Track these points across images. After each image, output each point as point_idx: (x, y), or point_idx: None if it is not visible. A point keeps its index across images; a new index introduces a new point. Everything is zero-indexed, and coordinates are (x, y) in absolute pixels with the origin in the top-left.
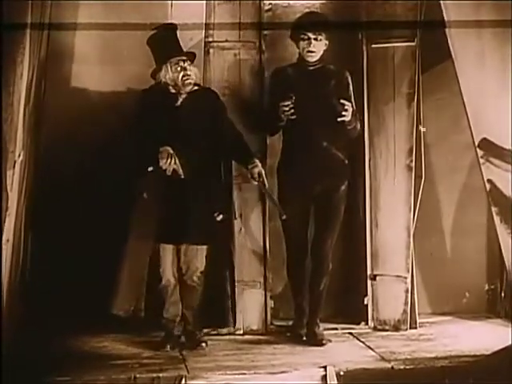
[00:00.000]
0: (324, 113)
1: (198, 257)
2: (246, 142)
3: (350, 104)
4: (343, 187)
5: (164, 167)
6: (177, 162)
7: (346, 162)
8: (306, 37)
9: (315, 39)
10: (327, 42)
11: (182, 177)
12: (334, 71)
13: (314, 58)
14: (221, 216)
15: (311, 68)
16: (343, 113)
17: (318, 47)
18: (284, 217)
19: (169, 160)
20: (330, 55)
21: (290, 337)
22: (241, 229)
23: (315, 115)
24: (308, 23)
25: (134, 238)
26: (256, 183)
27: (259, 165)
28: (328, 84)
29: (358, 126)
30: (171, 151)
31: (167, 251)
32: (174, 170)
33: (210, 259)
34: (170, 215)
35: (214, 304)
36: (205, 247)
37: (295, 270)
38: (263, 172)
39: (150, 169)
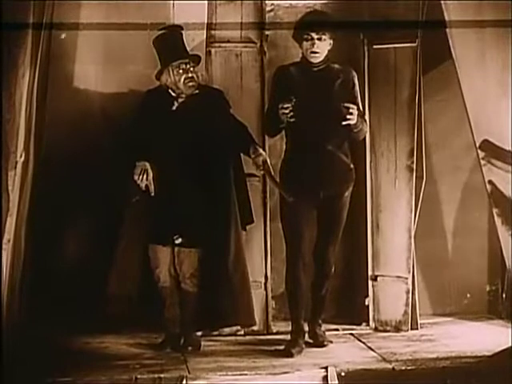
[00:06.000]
0: (328, 115)
1: (189, 259)
2: (250, 133)
3: (354, 107)
4: (347, 193)
5: (137, 182)
6: (149, 178)
7: (352, 166)
8: (309, 37)
9: (319, 39)
10: (331, 42)
11: (152, 194)
12: (339, 71)
13: (317, 59)
14: (180, 239)
15: (315, 69)
16: (348, 116)
17: (321, 47)
18: (291, 199)
19: (141, 176)
20: (331, 56)
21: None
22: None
23: (319, 118)
24: (311, 23)
25: (127, 239)
26: (261, 172)
27: (263, 153)
28: (333, 85)
29: (365, 129)
30: (147, 166)
31: (163, 252)
32: (146, 185)
33: (206, 262)
34: (159, 217)
35: (216, 305)
36: (195, 250)
37: (293, 282)
38: (268, 160)
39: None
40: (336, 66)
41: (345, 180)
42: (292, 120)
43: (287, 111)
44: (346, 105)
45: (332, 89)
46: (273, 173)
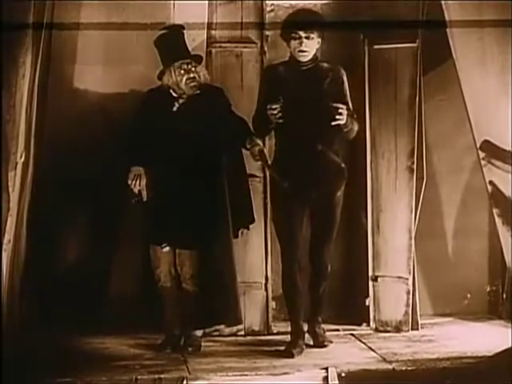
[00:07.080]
0: (318, 115)
1: (190, 260)
2: (247, 125)
3: (344, 106)
4: (339, 192)
5: (131, 187)
6: (142, 184)
7: (343, 165)
8: (296, 36)
9: (307, 38)
10: (320, 40)
11: (145, 199)
12: (327, 69)
13: (306, 57)
14: (167, 248)
15: (303, 68)
16: (337, 116)
17: (310, 46)
18: (286, 184)
19: (134, 182)
20: (331, 56)
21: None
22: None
23: (309, 117)
24: (298, 21)
25: (127, 240)
26: (258, 162)
27: (259, 143)
28: (322, 84)
29: (356, 127)
30: (141, 171)
31: (164, 253)
32: (139, 191)
33: (201, 263)
34: (159, 219)
35: (214, 306)
36: (194, 251)
37: (289, 284)
38: (265, 150)
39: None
40: (325, 64)
41: (337, 179)
42: (280, 121)
43: (275, 112)
44: (335, 105)
45: (321, 88)
46: (269, 162)
